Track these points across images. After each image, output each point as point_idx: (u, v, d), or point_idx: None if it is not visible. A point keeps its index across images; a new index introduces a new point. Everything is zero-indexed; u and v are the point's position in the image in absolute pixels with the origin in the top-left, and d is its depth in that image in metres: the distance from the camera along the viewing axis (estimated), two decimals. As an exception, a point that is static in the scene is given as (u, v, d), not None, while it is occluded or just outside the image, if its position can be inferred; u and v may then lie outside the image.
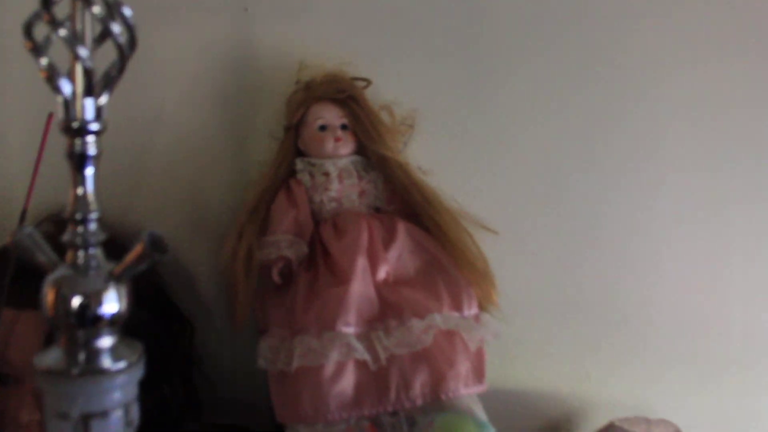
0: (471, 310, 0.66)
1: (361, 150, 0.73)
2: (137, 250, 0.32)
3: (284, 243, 0.66)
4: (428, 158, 0.77)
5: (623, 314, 0.80)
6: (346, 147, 0.72)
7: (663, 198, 0.79)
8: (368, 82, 0.76)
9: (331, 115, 0.72)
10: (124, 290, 0.33)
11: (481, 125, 0.78)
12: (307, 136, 0.73)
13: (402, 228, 0.69)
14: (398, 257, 0.68)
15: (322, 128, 0.72)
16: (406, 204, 0.72)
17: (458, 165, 0.79)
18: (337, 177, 0.71)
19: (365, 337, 0.62)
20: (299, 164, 0.73)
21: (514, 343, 0.77)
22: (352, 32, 0.77)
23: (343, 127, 0.73)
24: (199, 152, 0.77)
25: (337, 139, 0.71)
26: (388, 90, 0.76)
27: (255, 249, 0.67)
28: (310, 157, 0.73)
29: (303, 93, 0.74)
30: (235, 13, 0.76)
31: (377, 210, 0.74)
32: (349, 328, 0.61)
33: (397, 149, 0.73)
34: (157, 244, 0.32)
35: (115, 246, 0.34)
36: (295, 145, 0.74)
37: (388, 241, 0.68)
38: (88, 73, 0.32)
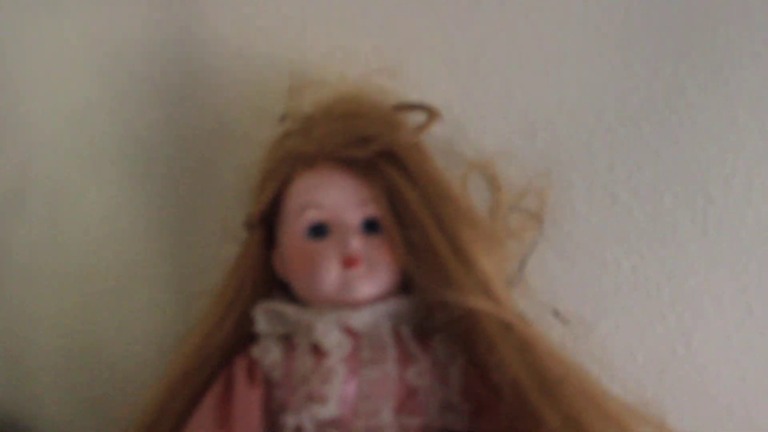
0: None
1: (408, 284, 0.30)
2: None
3: None
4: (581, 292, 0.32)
5: None
6: (374, 281, 0.29)
7: None
8: (433, 113, 0.32)
9: (337, 198, 0.30)
10: None
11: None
12: (287, 247, 0.31)
13: None
14: None
15: (317, 232, 0.30)
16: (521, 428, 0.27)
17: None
18: (346, 360, 0.28)
19: None
20: (261, 319, 0.30)
21: None
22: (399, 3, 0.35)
23: (369, 226, 0.30)
24: (89, 277, 0.41)
25: (349, 262, 0.28)
26: (484, 128, 0.35)
27: None
28: (286, 303, 0.30)
29: (288, 144, 0.32)
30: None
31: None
32: None
33: (503, 287, 0.28)
34: None
35: None
36: (262, 263, 0.32)
37: None
38: None
